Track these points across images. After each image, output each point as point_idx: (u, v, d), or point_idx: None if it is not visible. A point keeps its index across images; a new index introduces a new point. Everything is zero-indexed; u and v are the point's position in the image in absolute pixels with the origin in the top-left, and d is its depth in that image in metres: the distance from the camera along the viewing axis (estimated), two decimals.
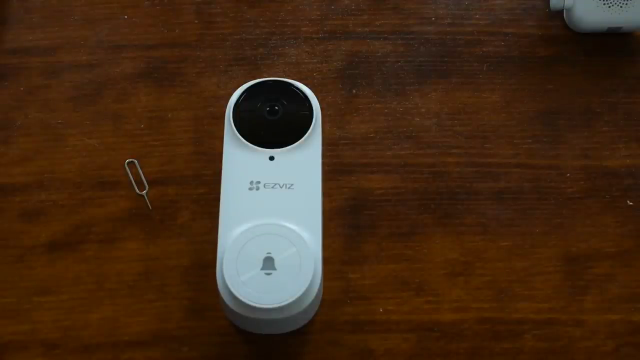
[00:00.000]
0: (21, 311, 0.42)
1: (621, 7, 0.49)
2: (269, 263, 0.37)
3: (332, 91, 0.49)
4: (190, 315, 0.42)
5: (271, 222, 0.38)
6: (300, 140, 0.40)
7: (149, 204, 0.45)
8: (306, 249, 0.37)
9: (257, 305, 0.36)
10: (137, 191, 0.46)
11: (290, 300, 0.36)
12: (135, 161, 0.46)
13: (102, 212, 0.45)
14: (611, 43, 0.51)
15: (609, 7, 0.49)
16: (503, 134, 0.48)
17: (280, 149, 0.40)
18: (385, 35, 0.51)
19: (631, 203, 0.46)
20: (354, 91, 0.49)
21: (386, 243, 0.45)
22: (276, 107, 0.42)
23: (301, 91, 0.42)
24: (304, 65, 0.50)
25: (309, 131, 0.41)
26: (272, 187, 0.39)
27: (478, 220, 0.45)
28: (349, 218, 0.45)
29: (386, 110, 0.49)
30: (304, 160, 0.40)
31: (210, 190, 0.45)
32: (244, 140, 0.40)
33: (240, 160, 0.40)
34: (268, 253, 0.37)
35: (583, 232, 0.45)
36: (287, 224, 0.38)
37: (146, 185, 0.46)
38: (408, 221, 0.45)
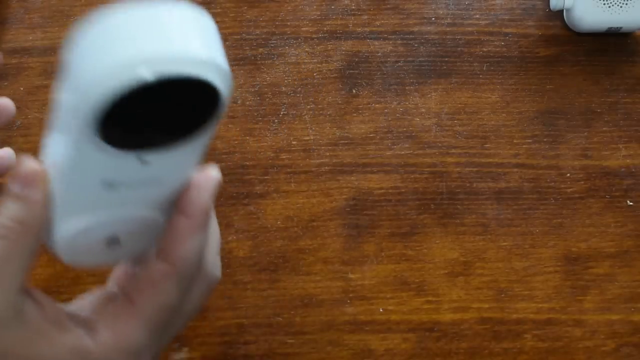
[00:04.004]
0: None
1: (621, 7, 0.49)
2: None
3: (332, 91, 0.49)
4: None
5: None
6: None
7: None
8: None
9: None
10: None
11: None
12: None
13: None
14: (611, 43, 0.51)
15: (609, 7, 0.49)
16: (503, 134, 0.48)
17: None
18: (385, 35, 0.51)
19: (631, 203, 0.46)
20: (354, 91, 0.49)
21: (386, 243, 0.45)
22: None
23: None
24: (304, 65, 0.50)
25: None
26: None
27: (478, 220, 0.45)
28: (349, 218, 0.45)
29: (386, 110, 0.49)
30: None
31: None
32: None
33: None
34: None
35: (583, 232, 0.45)
36: None
37: None
38: (408, 221, 0.45)
